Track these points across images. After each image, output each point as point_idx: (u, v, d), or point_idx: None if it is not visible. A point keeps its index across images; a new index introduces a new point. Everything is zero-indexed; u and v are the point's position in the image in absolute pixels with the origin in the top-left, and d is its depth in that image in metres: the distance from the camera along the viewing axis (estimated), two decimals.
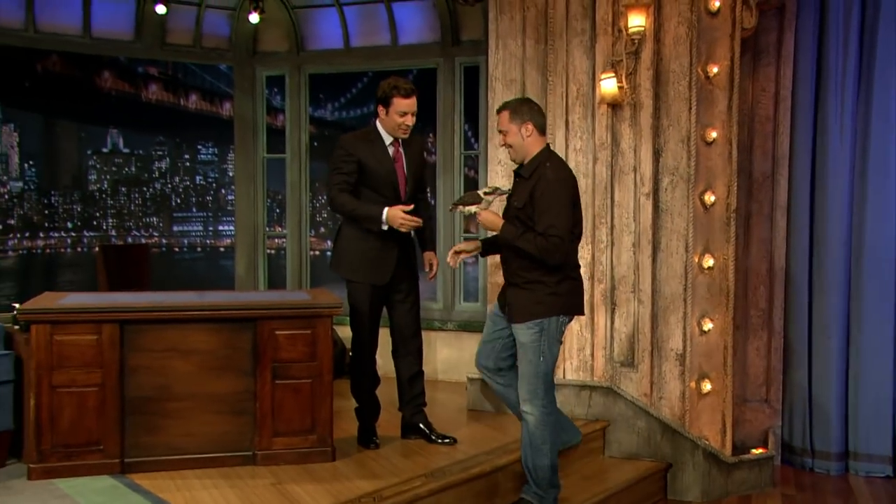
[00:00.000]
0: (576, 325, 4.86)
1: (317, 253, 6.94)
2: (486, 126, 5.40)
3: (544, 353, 3.70)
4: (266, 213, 7.07)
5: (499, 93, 4.97)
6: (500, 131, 3.77)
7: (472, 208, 3.79)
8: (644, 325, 4.66)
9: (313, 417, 3.91)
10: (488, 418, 4.90)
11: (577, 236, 3.78)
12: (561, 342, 3.81)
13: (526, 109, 3.71)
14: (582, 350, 4.86)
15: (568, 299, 3.73)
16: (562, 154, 4.86)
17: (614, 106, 4.65)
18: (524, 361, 3.74)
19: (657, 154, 4.58)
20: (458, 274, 6.26)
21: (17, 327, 4.04)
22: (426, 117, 6.13)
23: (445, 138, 6.28)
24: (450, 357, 6.08)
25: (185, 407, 3.81)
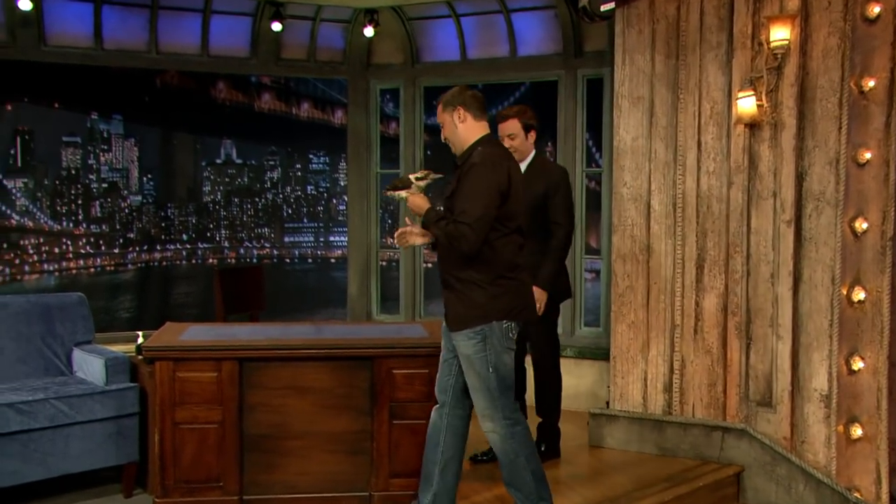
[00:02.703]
0: (707, 360, 4.55)
1: (429, 265, 6.88)
2: (610, 141, 5.13)
3: (493, 363, 3.31)
4: (379, 230, 7.01)
5: (625, 111, 4.72)
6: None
7: (403, 193, 3.56)
8: (783, 363, 4.28)
9: None
10: (611, 457, 4.66)
11: (514, 231, 3.39)
12: (513, 349, 3.41)
13: (453, 98, 3.46)
14: (713, 387, 4.54)
15: (507, 301, 3.34)
16: (692, 176, 4.57)
17: (752, 126, 4.31)
18: (472, 375, 3.35)
19: (800, 178, 4.20)
20: (579, 297, 6.00)
21: (140, 357, 4.09)
22: (547, 131, 5.91)
23: (566, 153, 6.01)
24: (568, 385, 5.85)
25: (301, 445, 3.79)
